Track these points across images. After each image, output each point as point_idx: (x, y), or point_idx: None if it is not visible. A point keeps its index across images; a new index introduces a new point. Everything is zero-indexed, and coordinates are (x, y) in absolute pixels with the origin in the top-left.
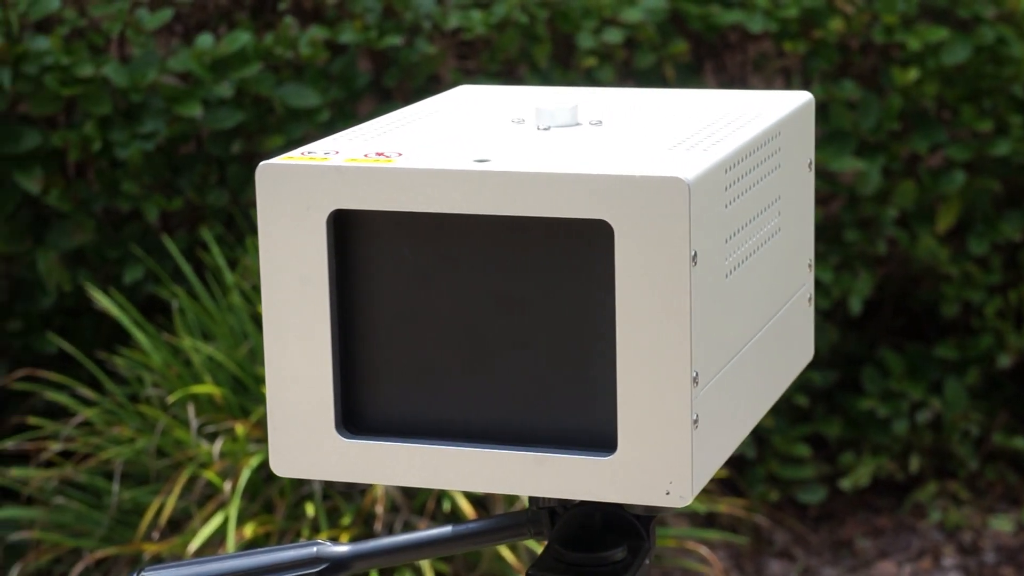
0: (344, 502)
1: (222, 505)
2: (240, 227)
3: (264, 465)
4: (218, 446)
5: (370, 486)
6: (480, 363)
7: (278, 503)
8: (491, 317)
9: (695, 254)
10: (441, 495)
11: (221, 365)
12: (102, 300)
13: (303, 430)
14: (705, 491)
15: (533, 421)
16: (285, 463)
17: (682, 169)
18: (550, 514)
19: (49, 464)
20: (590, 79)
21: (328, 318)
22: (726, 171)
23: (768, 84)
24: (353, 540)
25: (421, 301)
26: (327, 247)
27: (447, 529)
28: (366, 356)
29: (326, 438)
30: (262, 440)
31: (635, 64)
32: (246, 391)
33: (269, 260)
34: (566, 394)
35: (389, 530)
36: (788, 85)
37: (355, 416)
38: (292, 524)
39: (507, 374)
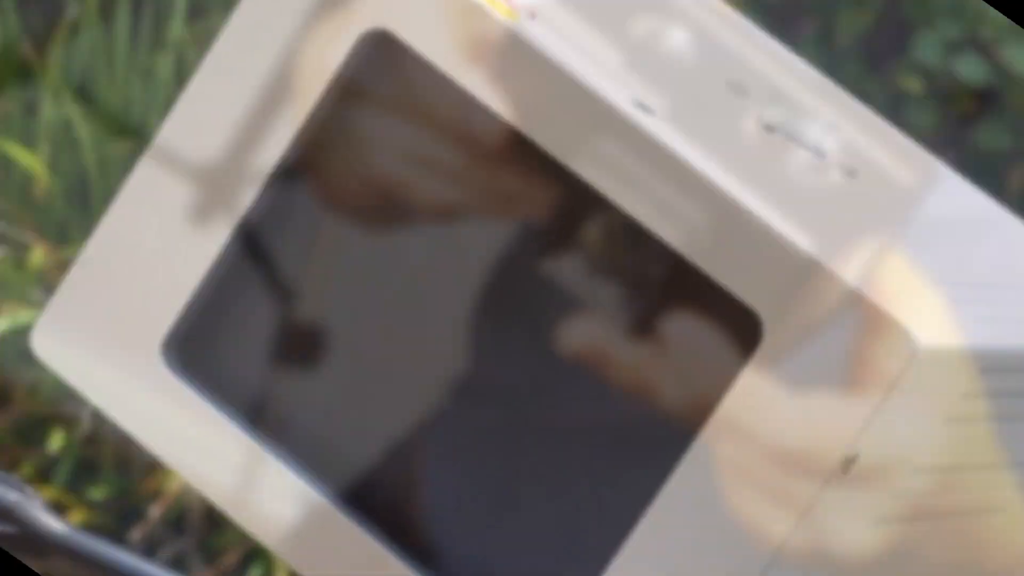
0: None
1: None
2: None
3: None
4: None
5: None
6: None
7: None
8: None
9: (854, 458)
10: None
11: None
12: None
13: (114, 319)
14: None
15: (474, 545)
16: (55, 344)
17: (926, 320)
18: None
19: None
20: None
21: (261, 184)
22: (985, 367)
23: None
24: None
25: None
26: (331, 80)
27: None
28: (273, 280)
29: (140, 350)
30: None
31: None
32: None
33: (225, 50)
34: (544, 543)
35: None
36: None
37: (198, 348)
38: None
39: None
